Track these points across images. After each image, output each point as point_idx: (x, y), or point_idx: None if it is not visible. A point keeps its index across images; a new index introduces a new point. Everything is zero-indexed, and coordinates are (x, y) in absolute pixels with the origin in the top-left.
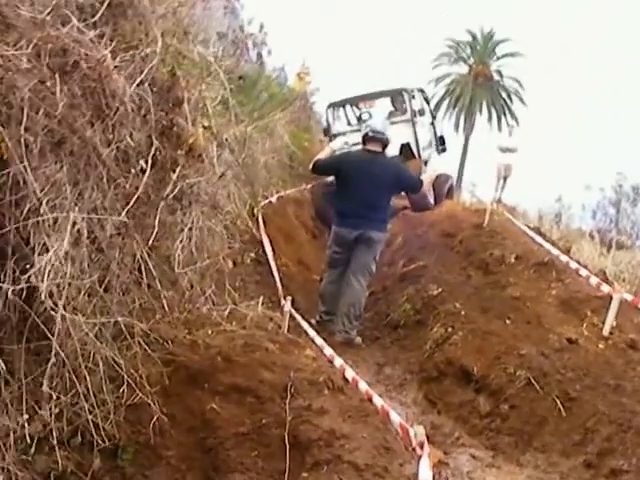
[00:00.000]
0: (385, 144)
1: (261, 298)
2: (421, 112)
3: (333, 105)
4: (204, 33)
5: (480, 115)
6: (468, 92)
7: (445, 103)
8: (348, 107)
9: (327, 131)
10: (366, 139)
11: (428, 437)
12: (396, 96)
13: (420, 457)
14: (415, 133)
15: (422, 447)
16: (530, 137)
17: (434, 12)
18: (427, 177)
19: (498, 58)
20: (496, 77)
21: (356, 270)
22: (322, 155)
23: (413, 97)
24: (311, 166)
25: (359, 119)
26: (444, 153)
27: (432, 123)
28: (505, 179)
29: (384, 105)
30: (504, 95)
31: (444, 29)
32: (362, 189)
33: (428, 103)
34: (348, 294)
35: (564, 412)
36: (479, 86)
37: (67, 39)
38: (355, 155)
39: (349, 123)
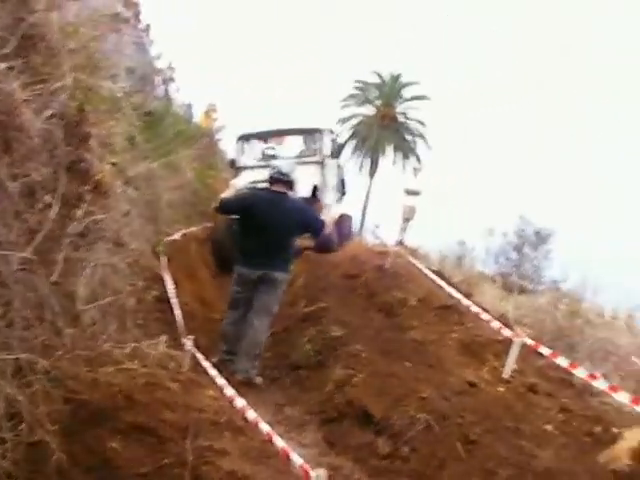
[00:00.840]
0: (291, 186)
1: (163, 336)
2: (331, 154)
3: (243, 137)
4: (114, 68)
5: (384, 157)
6: (374, 134)
7: (351, 144)
8: (258, 141)
9: (233, 163)
10: (272, 180)
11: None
12: (309, 135)
13: None
14: (323, 175)
15: None
16: (435, 180)
17: (343, 52)
18: (330, 218)
19: (404, 101)
20: (401, 119)
21: (258, 310)
22: (227, 194)
23: (324, 138)
24: (216, 205)
25: (263, 154)
26: (344, 196)
27: (338, 166)
28: (409, 221)
29: (294, 143)
30: (409, 137)
31: (354, 70)
32: (266, 230)
33: (336, 145)
34: (249, 334)
35: (464, 455)
36: (385, 128)
37: None
38: (260, 195)
39: (258, 158)
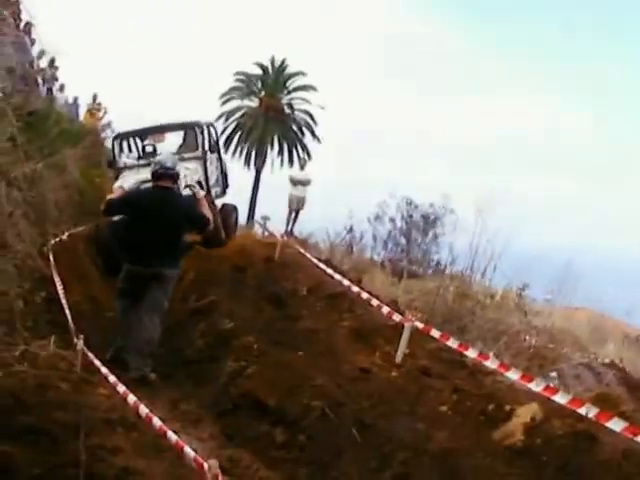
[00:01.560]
0: (175, 179)
1: (52, 337)
2: (212, 148)
3: (120, 136)
4: None
5: (272, 149)
6: (259, 126)
7: (236, 137)
8: (135, 139)
9: (112, 163)
10: (156, 176)
11: (225, 470)
12: (188, 130)
13: None
14: (206, 170)
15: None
16: (323, 169)
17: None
18: (213, 212)
19: (289, 92)
20: (287, 111)
21: (148, 308)
22: (113, 196)
23: (204, 132)
24: (103, 207)
25: (143, 152)
26: (226, 190)
27: (219, 159)
28: (297, 212)
29: (173, 139)
30: (295, 128)
31: (236, 61)
32: (153, 227)
33: (217, 138)
34: (141, 331)
35: (360, 440)
36: (270, 120)
37: None
38: (145, 193)
39: (138, 157)
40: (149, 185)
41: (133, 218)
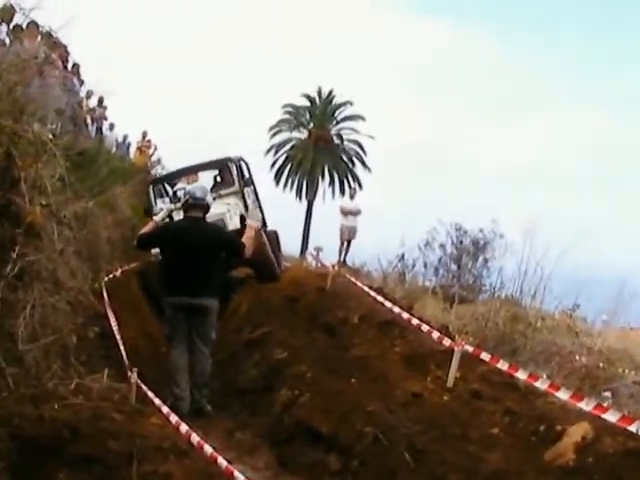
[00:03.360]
0: (206, 210)
1: (106, 370)
2: (247, 183)
3: (155, 182)
4: (41, 110)
5: (322, 180)
6: (309, 157)
7: (287, 170)
8: (170, 184)
9: (149, 210)
10: (187, 206)
11: None
12: (221, 167)
13: None
14: (246, 204)
15: None
16: (375, 198)
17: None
18: (247, 238)
19: (338, 122)
20: (337, 141)
21: (197, 341)
22: (146, 229)
23: (238, 167)
24: (135, 242)
25: (174, 196)
26: (266, 223)
27: (255, 193)
28: (349, 242)
29: (207, 178)
30: (345, 159)
31: (283, 94)
32: (188, 257)
33: (250, 172)
34: (197, 367)
35: (413, 464)
36: (320, 151)
37: None
38: (177, 224)
39: (171, 200)
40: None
41: (166, 250)
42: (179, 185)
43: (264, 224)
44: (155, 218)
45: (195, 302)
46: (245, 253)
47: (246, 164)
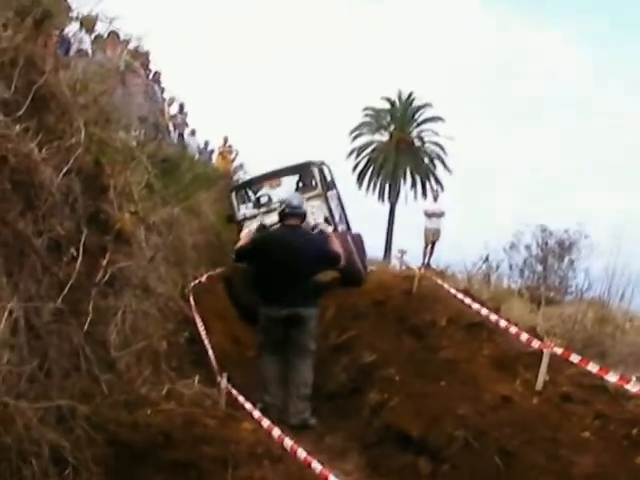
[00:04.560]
0: (303, 218)
1: (197, 376)
2: (329, 186)
3: (236, 188)
4: (125, 119)
5: (404, 182)
6: (391, 160)
7: (368, 173)
8: (251, 189)
9: (232, 217)
10: (284, 215)
11: None
12: (303, 171)
13: None
14: (329, 207)
15: None
16: (457, 200)
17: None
18: (339, 248)
19: (418, 124)
20: (418, 143)
21: (297, 352)
22: (243, 242)
23: (319, 170)
24: (234, 255)
25: (257, 202)
26: (350, 226)
27: (338, 197)
28: (434, 244)
29: (289, 182)
30: (427, 161)
31: (363, 98)
32: (286, 267)
33: (332, 176)
34: (294, 377)
35: (504, 467)
36: (401, 153)
37: None
38: (275, 234)
39: (254, 206)
40: (276, 226)
41: (264, 260)
42: (262, 190)
43: (348, 227)
44: (250, 228)
45: (293, 312)
46: (341, 262)
47: (328, 168)
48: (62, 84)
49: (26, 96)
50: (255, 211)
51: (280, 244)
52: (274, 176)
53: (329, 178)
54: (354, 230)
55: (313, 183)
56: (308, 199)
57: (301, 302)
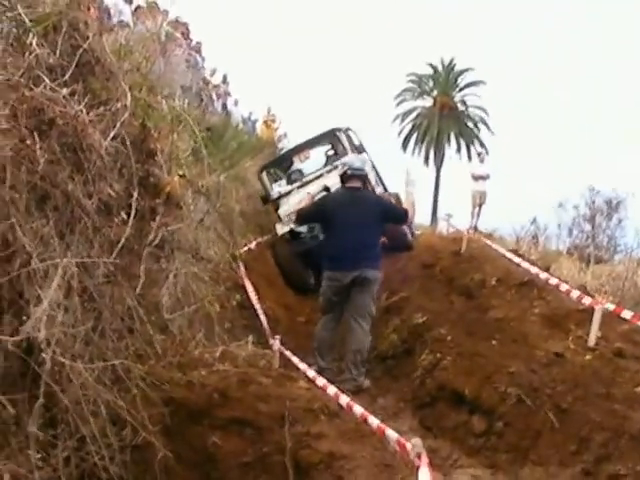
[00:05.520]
0: (364, 180)
1: (250, 337)
2: (359, 150)
3: (266, 168)
4: (168, 88)
5: (449, 146)
6: (435, 124)
7: (413, 138)
8: (281, 166)
9: (266, 198)
10: (345, 177)
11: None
12: (331, 138)
13: (419, 468)
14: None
15: (420, 458)
16: (501, 161)
17: (394, 48)
18: (408, 204)
19: (460, 89)
20: (461, 107)
21: (356, 314)
22: (303, 204)
23: (347, 135)
24: (295, 218)
25: (289, 178)
26: (387, 188)
27: (371, 160)
28: (480, 206)
29: (318, 153)
30: (470, 124)
31: (405, 64)
32: (351, 228)
33: (360, 140)
34: (352, 341)
35: (557, 424)
36: (445, 118)
37: (41, 98)
38: (337, 195)
39: (288, 182)
40: (338, 188)
41: (327, 223)
42: (294, 166)
43: (385, 189)
44: (309, 191)
45: (357, 274)
46: (409, 219)
47: (354, 132)
48: (106, 49)
49: (71, 61)
50: (289, 187)
51: (342, 206)
52: (301, 149)
53: (357, 142)
54: (391, 191)
55: (342, 149)
56: (333, 169)
57: (367, 264)
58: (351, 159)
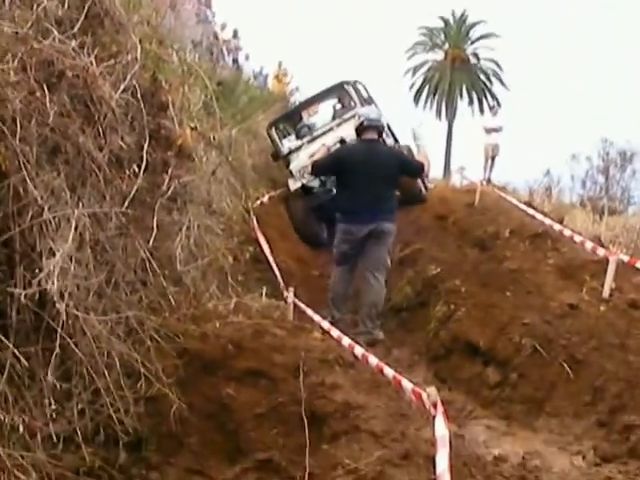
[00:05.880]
0: (381, 131)
1: (264, 289)
2: (368, 102)
3: (274, 124)
4: (179, 42)
5: (461, 100)
6: (446, 78)
7: (425, 91)
8: (289, 122)
9: (276, 154)
10: (361, 129)
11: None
12: (339, 92)
13: (435, 417)
14: None
15: (436, 407)
16: (513, 115)
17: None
18: (423, 157)
19: (472, 42)
20: (473, 60)
21: (371, 267)
22: (318, 155)
23: (355, 88)
24: (310, 169)
25: (298, 134)
26: (398, 140)
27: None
28: (493, 159)
29: (327, 106)
30: (483, 77)
31: (416, 18)
32: (367, 181)
33: (368, 93)
34: (367, 294)
35: (572, 375)
36: (457, 71)
37: (50, 50)
38: (353, 148)
39: (298, 136)
40: (354, 140)
41: (343, 175)
42: (304, 121)
43: (396, 141)
44: (325, 143)
45: (373, 227)
46: (425, 172)
47: (363, 85)
48: (115, 1)
49: (79, 13)
50: (299, 142)
51: (359, 159)
52: (310, 103)
53: (366, 95)
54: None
55: (351, 103)
56: (350, 118)
57: (383, 216)
58: (367, 110)
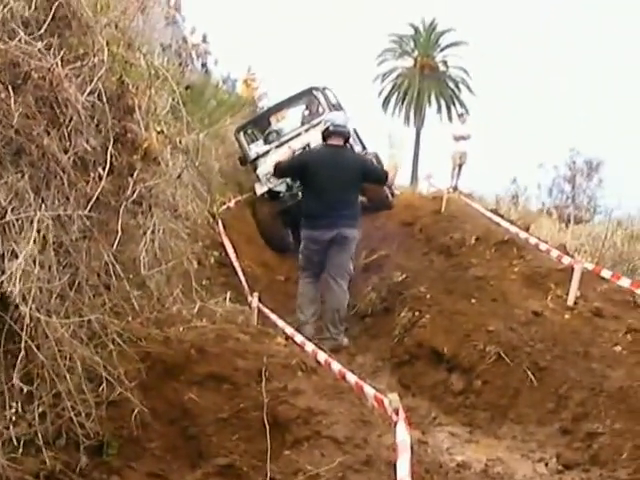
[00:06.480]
0: (347, 137)
1: (228, 293)
2: (337, 107)
3: (242, 129)
4: (147, 45)
5: (430, 107)
6: (415, 85)
7: (393, 98)
8: (257, 127)
9: (244, 159)
10: (327, 134)
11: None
12: (308, 97)
13: (396, 423)
14: None
15: (397, 413)
16: (481, 123)
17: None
18: (389, 166)
19: (442, 49)
20: (442, 68)
21: (333, 273)
22: (282, 157)
23: (324, 94)
24: (272, 170)
25: (267, 139)
26: (366, 147)
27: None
28: (460, 166)
29: (295, 112)
30: (451, 85)
31: (386, 25)
32: (330, 186)
33: (337, 99)
34: (330, 300)
35: (536, 382)
36: (426, 78)
37: (16, 52)
38: (318, 152)
39: (266, 142)
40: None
41: (306, 180)
42: (272, 126)
43: (364, 147)
44: (291, 146)
45: (335, 233)
46: (389, 180)
47: (331, 91)
48: (82, 3)
49: (46, 15)
50: (267, 147)
51: (323, 163)
52: (278, 109)
53: (334, 101)
54: (370, 150)
55: (320, 109)
56: (316, 125)
57: (346, 222)
58: (334, 116)
